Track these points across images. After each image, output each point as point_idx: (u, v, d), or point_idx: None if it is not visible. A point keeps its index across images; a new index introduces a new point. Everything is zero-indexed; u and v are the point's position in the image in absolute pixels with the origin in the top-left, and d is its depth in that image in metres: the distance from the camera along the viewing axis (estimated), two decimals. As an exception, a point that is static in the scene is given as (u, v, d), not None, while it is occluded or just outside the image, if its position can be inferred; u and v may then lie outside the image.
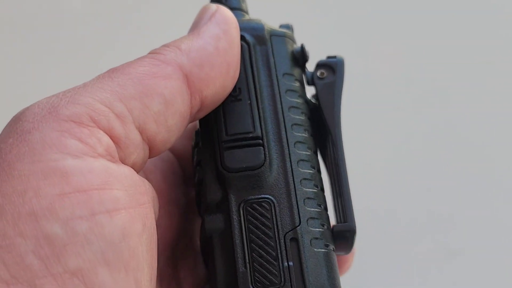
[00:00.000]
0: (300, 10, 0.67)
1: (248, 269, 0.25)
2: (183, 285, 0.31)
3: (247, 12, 0.31)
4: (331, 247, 0.27)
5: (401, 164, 0.69)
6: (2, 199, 0.21)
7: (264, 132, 0.27)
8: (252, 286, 0.25)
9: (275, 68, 0.29)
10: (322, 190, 0.28)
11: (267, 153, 0.27)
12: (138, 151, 0.25)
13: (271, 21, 0.32)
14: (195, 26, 0.28)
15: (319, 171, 0.29)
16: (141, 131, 0.25)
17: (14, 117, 0.24)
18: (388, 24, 0.73)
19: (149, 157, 0.26)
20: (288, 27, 0.32)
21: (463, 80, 0.72)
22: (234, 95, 0.28)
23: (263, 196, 0.26)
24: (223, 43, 0.27)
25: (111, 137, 0.24)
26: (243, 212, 0.26)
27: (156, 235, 0.25)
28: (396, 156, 0.69)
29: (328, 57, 0.31)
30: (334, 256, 0.27)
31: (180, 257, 0.31)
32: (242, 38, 0.29)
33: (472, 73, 0.72)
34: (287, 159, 0.27)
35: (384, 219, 0.68)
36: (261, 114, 0.28)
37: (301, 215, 0.26)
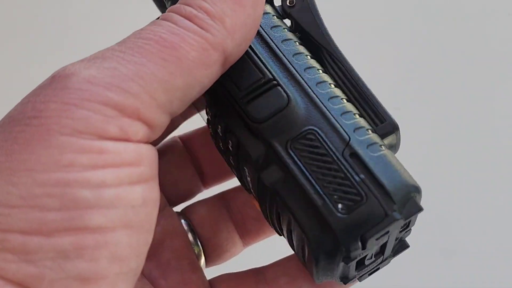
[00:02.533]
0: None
1: (327, 200, 0.25)
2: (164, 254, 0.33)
3: None
4: (385, 146, 0.28)
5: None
6: (36, 163, 0.23)
7: (273, 73, 0.27)
8: (340, 213, 0.24)
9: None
10: (348, 100, 0.29)
11: (286, 90, 0.27)
12: (162, 130, 0.26)
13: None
14: None
15: (336, 85, 0.29)
16: (170, 115, 0.26)
17: (57, 78, 0.24)
18: (388, 24, 0.73)
19: None
20: None
21: (462, 80, 0.72)
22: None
23: (303, 129, 0.26)
24: (259, 10, 0.26)
25: (148, 126, 0.25)
26: (293, 152, 0.26)
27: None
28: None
29: None
30: (392, 152, 0.28)
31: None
32: None
33: (472, 73, 0.72)
34: (306, 87, 0.27)
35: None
36: (264, 61, 0.28)
37: (346, 130, 0.27)
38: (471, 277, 0.68)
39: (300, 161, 0.26)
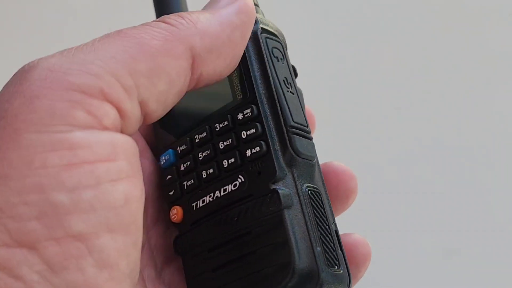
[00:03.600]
0: (299, 11, 0.67)
1: (322, 250, 0.27)
2: (154, 253, 0.31)
3: (257, 5, 0.32)
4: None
5: (399, 165, 0.70)
6: (8, 168, 0.22)
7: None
8: (325, 266, 0.27)
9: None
10: None
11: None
12: (136, 124, 0.25)
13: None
14: (216, 2, 0.28)
15: None
16: (142, 107, 0.25)
17: (19, 73, 0.24)
18: (388, 24, 0.73)
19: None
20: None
21: (463, 80, 0.72)
22: (288, 88, 0.30)
23: (315, 186, 0.29)
24: (237, 35, 0.27)
25: (118, 110, 0.24)
26: (307, 196, 0.28)
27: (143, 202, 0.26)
28: (395, 158, 0.70)
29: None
30: None
31: (151, 225, 0.31)
32: (270, 33, 0.30)
33: (473, 73, 0.72)
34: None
35: (383, 219, 0.68)
36: (304, 111, 0.30)
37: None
38: (471, 277, 0.68)
39: (310, 207, 0.28)
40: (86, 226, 0.22)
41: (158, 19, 0.26)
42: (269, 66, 0.29)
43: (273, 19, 0.32)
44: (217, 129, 0.29)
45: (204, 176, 0.29)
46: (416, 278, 0.68)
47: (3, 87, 0.24)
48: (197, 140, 0.30)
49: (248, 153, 0.28)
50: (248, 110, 0.29)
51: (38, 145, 0.22)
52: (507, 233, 0.69)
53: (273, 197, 0.27)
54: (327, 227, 0.28)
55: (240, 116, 0.29)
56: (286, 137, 0.28)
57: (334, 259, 0.28)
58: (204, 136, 0.30)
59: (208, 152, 0.29)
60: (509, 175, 0.71)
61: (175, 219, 0.30)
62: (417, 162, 0.70)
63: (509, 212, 0.70)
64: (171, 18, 0.26)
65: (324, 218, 0.28)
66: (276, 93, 0.29)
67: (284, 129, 0.28)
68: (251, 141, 0.28)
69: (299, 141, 0.29)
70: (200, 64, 0.26)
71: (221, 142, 0.29)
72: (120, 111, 0.24)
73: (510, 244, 0.69)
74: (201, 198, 0.29)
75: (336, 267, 0.28)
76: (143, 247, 0.30)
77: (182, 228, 0.30)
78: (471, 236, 0.69)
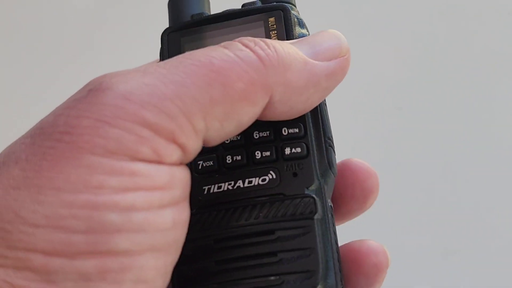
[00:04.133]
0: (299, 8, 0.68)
1: (338, 267, 0.27)
2: None
3: (294, 4, 0.32)
4: None
5: (399, 166, 0.70)
6: (64, 182, 0.22)
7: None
8: (340, 283, 0.27)
9: None
10: None
11: None
12: (195, 155, 0.25)
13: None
14: (317, 43, 0.27)
15: None
16: (204, 143, 0.25)
17: (93, 90, 0.23)
18: (389, 24, 0.73)
19: None
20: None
21: (463, 80, 0.72)
22: (324, 100, 0.29)
23: (330, 203, 0.28)
24: (315, 98, 0.26)
25: (182, 150, 0.24)
26: (330, 211, 0.28)
27: None
28: (395, 158, 0.70)
29: None
30: None
31: None
32: None
33: (473, 73, 0.72)
34: None
35: (383, 219, 0.68)
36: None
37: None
38: (471, 277, 0.68)
39: (330, 220, 0.28)
40: (132, 244, 0.22)
41: (245, 43, 0.25)
42: None
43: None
44: None
45: (228, 161, 0.28)
46: (416, 278, 0.68)
47: (72, 99, 0.24)
48: None
49: (287, 151, 0.28)
50: None
51: (98, 167, 0.22)
52: (507, 233, 0.69)
53: (309, 202, 0.27)
54: (338, 246, 0.28)
55: None
56: (324, 147, 0.28)
57: (342, 278, 0.28)
58: None
59: (238, 138, 0.28)
60: (509, 175, 0.71)
61: None
62: (418, 161, 0.70)
63: (509, 212, 0.70)
64: (262, 46, 0.25)
65: (336, 237, 0.28)
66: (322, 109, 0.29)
67: (323, 138, 0.28)
68: (291, 140, 0.28)
69: (331, 154, 0.28)
70: (269, 110, 0.25)
71: (256, 132, 0.28)
72: (185, 150, 0.24)
73: (510, 244, 0.70)
74: (218, 183, 0.28)
75: (342, 287, 0.27)
76: None
77: None
78: (471, 236, 0.69)
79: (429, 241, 0.69)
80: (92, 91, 0.23)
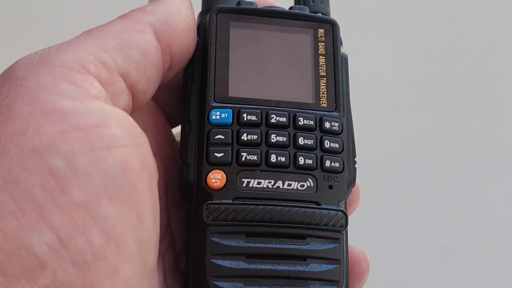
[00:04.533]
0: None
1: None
2: (174, 237, 0.31)
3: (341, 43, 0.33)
4: None
5: (400, 164, 0.70)
6: (4, 139, 0.22)
7: None
8: None
9: None
10: None
11: None
12: (124, 98, 0.26)
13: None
14: None
15: None
16: (125, 78, 0.26)
17: (4, 71, 0.25)
18: (388, 24, 0.73)
19: (132, 109, 0.27)
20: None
21: (462, 80, 0.72)
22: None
23: None
24: (183, 8, 0.29)
25: (100, 83, 0.25)
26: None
27: (156, 179, 0.26)
28: (394, 157, 0.70)
29: None
30: None
31: (172, 209, 0.31)
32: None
33: (473, 73, 0.72)
34: None
35: (383, 219, 0.68)
36: None
37: None
38: (471, 276, 0.68)
39: (346, 235, 0.30)
40: (86, 193, 0.22)
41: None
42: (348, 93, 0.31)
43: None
44: (300, 123, 0.29)
45: (272, 160, 0.28)
46: (416, 278, 0.68)
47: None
48: (273, 120, 0.29)
49: (327, 164, 0.29)
50: (336, 124, 0.29)
51: (29, 115, 0.23)
52: (507, 233, 0.69)
53: (341, 216, 0.28)
54: None
55: (327, 125, 0.29)
56: (352, 164, 0.30)
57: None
58: (284, 121, 0.29)
59: (284, 140, 0.29)
60: (509, 174, 0.71)
61: (216, 184, 0.28)
62: (417, 161, 0.70)
63: (509, 212, 0.70)
64: (123, 14, 0.28)
65: None
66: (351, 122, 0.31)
67: (352, 155, 0.30)
68: (331, 154, 0.29)
69: (356, 172, 0.30)
70: (164, 36, 0.28)
71: (302, 138, 0.29)
72: (102, 83, 0.25)
73: (510, 244, 0.70)
74: (259, 179, 0.28)
75: None
76: (164, 232, 0.30)
77: (218, 196, 0.28)
78: (471, 236, 0.69)
79: (429, 241, 0.69)
80: (4, 71, 0.25)
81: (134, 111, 0.27)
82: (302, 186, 0.28)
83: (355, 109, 0.32)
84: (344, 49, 0.32)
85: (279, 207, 0.27)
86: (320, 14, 0.33)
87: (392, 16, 0.73)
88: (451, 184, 0.70)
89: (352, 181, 0.30)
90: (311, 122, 0.29)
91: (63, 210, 0.22)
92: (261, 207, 0.27)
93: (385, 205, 0.69)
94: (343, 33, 0.32)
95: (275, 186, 0.28)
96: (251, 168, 0.28)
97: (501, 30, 0.73)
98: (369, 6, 0.73)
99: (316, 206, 0.28)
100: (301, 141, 0.29)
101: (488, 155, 0.71)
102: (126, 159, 0.24)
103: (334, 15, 0.34)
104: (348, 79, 0.32)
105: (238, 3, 0.32)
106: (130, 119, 0.25)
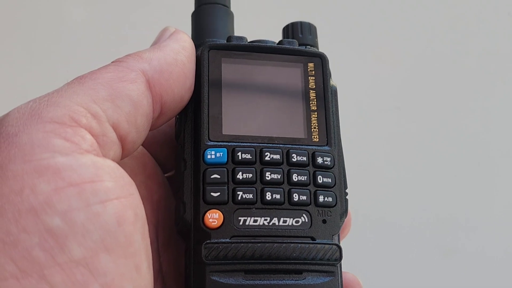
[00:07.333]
0: (295, 13, 0.68)
1: None
2: (165, 279, 0.31)
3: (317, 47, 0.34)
4: None
5: (399, 166, 0.70)
6: (1, 199, 0.22)
7: None
8: None
9: None
10: None
11: None
12: (114, 149, 0.26)
13: (267, 22, 0.32)
14: (155, 43, 0.30)
15: None
16: (115, 130, 0.26)
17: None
18: (388, 24, 0.73)
19: (121, 158, 0.27)
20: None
21: (462, 80, 0.72)
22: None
23: None
24: (182, 57, 0.29)
25: (92, 135, 0.25)
26: None
27: (147, 226, 0.26)
28: (395, 157, 0.70)
29: None
30: None
31: (162, 251, 0.31)
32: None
33: (473, 73, 0.72)
34: None
35: (383, 219, 0.69)
36: None
37: None
38: (471, 276, 0.68)
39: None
40: (84, 249, 0.23)
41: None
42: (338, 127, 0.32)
43: (268, 20, 0.32)
44: (293, 159, 0.30)
45: (268, 198, 0.29)
46: (416, 278, 0.68)
47: None
48: (267, 158, 0.30)
49: (321, 199, 0.30)
50: (328, 159, 0.30)
51: (24, 174, 0.23)
52: (507, 233, 0.69)
53: (336, 250, 0.29)
54: None
55: (320, 160, 0.30)
56: (344, 197, 0.31)
57: None
58: (277, 158, 0.30)
59: (279, 177, 0.29)
60: (509, 174, 0.71)
61: (213, 223, 0.28)
62: (417, 161, 0.70)
63: (509, 212, 0.70)
64: (118, 58, 0.28)
65: None
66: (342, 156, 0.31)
67: (343, 188, 0.31)
68: (324, 188, 0.30)
69: (347, 204, 0.31)
70: (156, 85, 0.28)
71: (295, 175, 0.30)
72: (93, 135, 0.25)
73: (510, 244, 0.70)
74: (255, 216, 0.29)
75: None
76: (157, 276, 0.30)
77: (216, 235, 0.28)
78: (471, 236, 0.69)
79: (429, 241, 0.69)
80: None
81: (123, 159, 0.28)
82: (297, 222, 0.29)
83: (355, 110, 0.33)
84: (333, 81, 0.33)
85: (275, 244, 0.28)
86: (309, 47, 0.34)
87: (392, 16, 0.73)
88: (451, 183, 0.70)
89: (344, 212, 0.30)
90: (304, 158, 0.30)
91: (64, 268, 0.22)
92: (259, 244, 0.28)
93: (385, 205, 0.69)
94: (346, 37, 0.33)
95: (271, 223, 0.29)
96: (247, 206, 0.29)
97: (503, 30, 0.73)
98: (370, 7, 0.73)
99: (311, 242, 0.29)
100: (294, 177, 0.29)
101: (488, 155, 0.71)
102: (120, 211, 0.24)
103: (333, 15, 0.35)
104: (338, 111, 0.32)
105: (229, 39, 0.32)
106: (121, 169, 0.25)
